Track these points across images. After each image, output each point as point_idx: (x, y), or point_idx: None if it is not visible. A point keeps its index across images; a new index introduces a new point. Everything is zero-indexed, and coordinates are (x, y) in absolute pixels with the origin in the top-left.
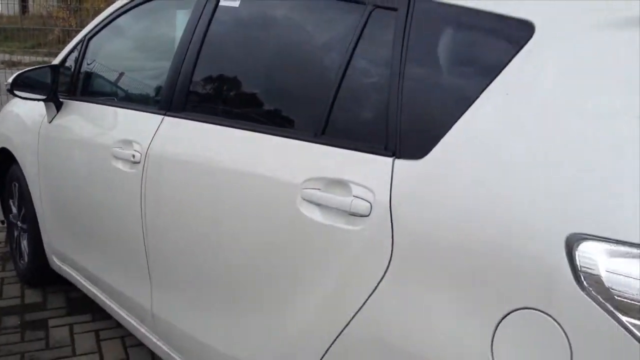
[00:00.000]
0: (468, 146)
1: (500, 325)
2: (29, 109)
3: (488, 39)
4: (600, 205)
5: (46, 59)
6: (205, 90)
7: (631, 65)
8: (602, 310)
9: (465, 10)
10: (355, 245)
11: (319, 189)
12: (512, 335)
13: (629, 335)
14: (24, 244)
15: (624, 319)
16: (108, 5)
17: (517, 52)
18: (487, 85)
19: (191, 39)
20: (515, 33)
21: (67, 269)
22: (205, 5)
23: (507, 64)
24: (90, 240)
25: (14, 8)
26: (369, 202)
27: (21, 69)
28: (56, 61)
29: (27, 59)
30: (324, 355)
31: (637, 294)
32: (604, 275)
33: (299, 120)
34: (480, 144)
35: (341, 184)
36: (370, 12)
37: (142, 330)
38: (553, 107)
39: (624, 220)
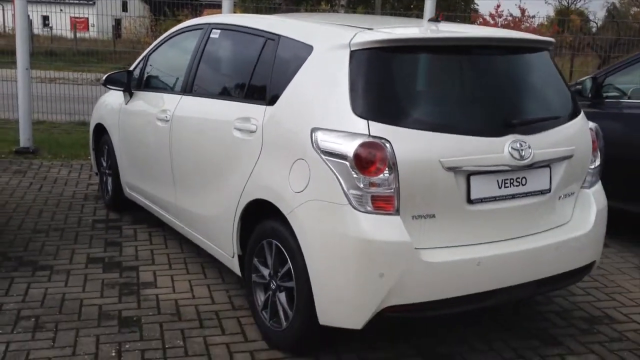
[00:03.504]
0: (288, 100)
1: (292, 166)
2: (114, 98)
3: (297, 53)
4: (321, 116)
5: None
6: (200, 80)
7: (342, 65)
8: (318, 155)
9: (293, 41)
10: (251, 146)
11: (239, 122)
12: (296, 170)
13: (324, 164)
14: (109, 184)
15: (324, 157)
16: None
17: (307, 58)
18: (295, 74)
19: (196, 54)
20: (306, 50)
21: (134, 194)
22: (204, 36)
23: (302, 64)
24: (145, 170)
25: (108, 34)
26: (256, 125)
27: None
28: (130, 68)
29: None
30: (239, 199)
31: (330, 146)
32: (320, 142)
33: (234, 93)
34: (292, 99)
35: (247, 119)
36: (266, 41)
37: (171, 218)
38: (317, 85)
39: (327, 121)
